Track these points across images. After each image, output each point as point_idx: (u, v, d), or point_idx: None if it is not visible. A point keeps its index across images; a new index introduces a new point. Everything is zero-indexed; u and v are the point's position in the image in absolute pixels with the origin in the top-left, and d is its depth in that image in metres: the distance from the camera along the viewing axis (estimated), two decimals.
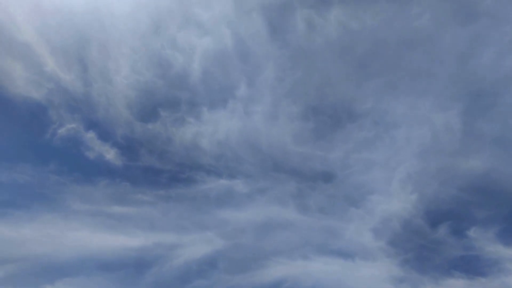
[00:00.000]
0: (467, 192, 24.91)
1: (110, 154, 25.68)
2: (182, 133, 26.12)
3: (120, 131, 26.00)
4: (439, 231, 24.95)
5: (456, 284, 22.75)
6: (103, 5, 24.06)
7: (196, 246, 24.44)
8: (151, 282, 23.07)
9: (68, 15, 24.18)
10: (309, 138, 26.81)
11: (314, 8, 24.39)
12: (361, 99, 26.57)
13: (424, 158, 26.00)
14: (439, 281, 23.12)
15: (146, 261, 23.83)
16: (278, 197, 26.16)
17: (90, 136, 25.72)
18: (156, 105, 26.14)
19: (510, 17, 24.56)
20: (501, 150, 24.58)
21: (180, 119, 26.23)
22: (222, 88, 26.21)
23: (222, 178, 26.09)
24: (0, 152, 25.69)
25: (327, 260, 24.44)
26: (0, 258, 21.82)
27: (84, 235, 23.76)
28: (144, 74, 25.50)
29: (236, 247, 24.65)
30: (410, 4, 25.24)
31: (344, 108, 26.85)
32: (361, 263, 24.26)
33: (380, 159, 27.16)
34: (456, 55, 25.18)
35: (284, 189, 26.27)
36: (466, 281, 22.89)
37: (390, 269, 23.92)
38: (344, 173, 26.31)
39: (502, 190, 24.35)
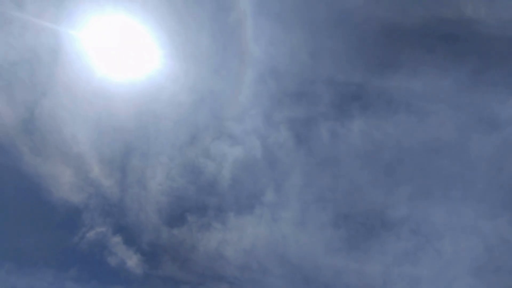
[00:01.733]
0: None
1: (132, 261, 21.61)
2: (207, 239, 22.21)
3: (147, 236, 22.70)
4: None
5: None
6: (151, 123, 23.90)
7: None
8: None
9: (121, 132, 23.88)
10: (341, 248, 21.26)
11: (337, 120, 22.64)
12: (393, 206, 21.77)
13: (481, 276, 19.06)
14: None
15: None
16: None
17: (116, 240, 22.31)
18: (184, 210, 22.82)
19: None
20: None
21: (206, 224, 22.30)
22: (249, 194, 22.83)
23: None
24: (27, 257, 22.06)
25: None
26: None
27: None
28: (177, 181, 23.16)
29: None
30: (430, 115, 22.91)
31: (377, 216, 21.89)
32: None
33: (427, 275, 20.29)
34: (487, 161, 21.02)
35: None
36: None
37: None
38: None
39: None
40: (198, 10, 23.12)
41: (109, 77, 24.17)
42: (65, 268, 22.11)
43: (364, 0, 22.26)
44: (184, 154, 24.80)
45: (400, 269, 21.07)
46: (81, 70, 23.95)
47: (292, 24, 23.34)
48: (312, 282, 21.42)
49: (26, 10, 22.93)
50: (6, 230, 22.85)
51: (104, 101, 24.15)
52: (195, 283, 21.74)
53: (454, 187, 22.39)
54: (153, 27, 23.52)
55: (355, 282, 20.94)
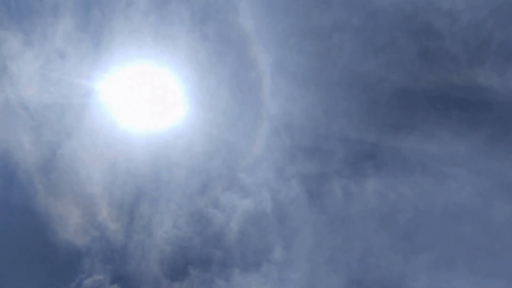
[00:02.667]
0: None
1: None
2: None
3: None
4: None
5: None
6: (165, 169, 22.68)
7: None
8: None
9: (134, 176, 22.72)
10: None
11: (351, 178, 20.80)
12: (411, 276, 18.77)
13: None
14: None
15: None
16: None
17: None
18: (188, 262, 20.40)
19: None
20: None
21: (209, 280, 19.68)
22: (257, 250, 20.35)
23: None
24: None
25: None
26: None
27: None
28: (184, 230, 21.15)
29: None
30: (448, 179, 20.79)
31: (393, 285, 18.64)
32: None
33: None
34: (510, 232, 18.35)
35: None
36: None
37: None
38: None
39: None
40: (220, 66, 22.74)
41: (130, 123, 23.20)
42: None
43: (376, 64, 21.22)
44: (193, 203, 22.56)
45: None
46: (105, 115, 23.21)
47: (307, 83, 22.40)
48: None
49: (66, 59, 22.98)
50: (3, 266, 20.17)
51: (123, 145, 22.94)
52: None
53: (479, 258, 18.72)
54: (176, 78, 23.12)
55: None
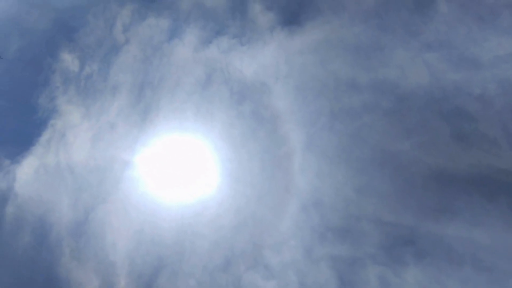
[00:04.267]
0: None
1: None
2: None
3: None
4: None
5: None
6: (189, 240, 20.13)
7: None
8: None
9: (157, 246, 20.36)
10: None
11: (388, 265, 16.94)
12: None
13: None
14: None
15: None
16: None
17: None
18: None
19: None
20: None
21: None
22: None
23: None
24: None
25: None
26: None
27: None
28: None
29: None
30: (506, 275, 16.31)
31: None
32: None
33: None
34: None
35: None
36: None
37: None
38: None
39: None
40: (252, 141, 21.00)
41: (162, 192, 21.22)
42: None
43: (409, 145, 18.29)
44: (214, 281, 18.50)
45: None
46: (140, 183, 21.41)
47: (337, 161, 19.65)
48: None
49: (115, 131, 22.48)
50: None
51: (151, 213, 20.37)
52: None
53: None
54: (211, 152, 21.48)
55: None
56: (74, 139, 22.84)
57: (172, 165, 23.04)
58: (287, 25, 22.29)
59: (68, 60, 23.29)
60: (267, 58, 22.18)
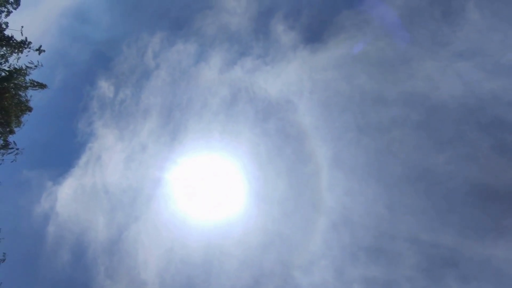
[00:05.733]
0: None
1: None
2: None
3: None
4: None
5: None
6: (217, 259, 20.29)
7: None
8: None
9: (187, 265, 20.65)
10: None
11: None
12: None
13: None
14: None
15: None
16: None
17: None
18: None
19: None
20: None
21: None
22: None
23: None
24: None
25: None
26: None
27: None
28: None
29: None
30: None
31: None
32: None
33: None
34: None
35: None
36: None
37: None
38: None
39: None
40: (279, 160, 20.92)
41: (190, 211, 21.59)
42: None
43: (444, 159, 17.22)
44: None
45: None
46: (169, 202, 21.95)
47: (366, 177, 18.89)
48: None
49: (146, 151, 23.43)
50: None
51: (180, 232, 20.68)
52: None
53: None
54: (238, 170, 21.65)
55: None
56: (109, 161, 23.92)
57: (200, 184, 23.27)
58: (309, 42, 22.34)
59: (105, 87, 24.85)
60: (291, 76, 22.24)
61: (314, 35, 22.64)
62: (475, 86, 18.72)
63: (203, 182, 22.52)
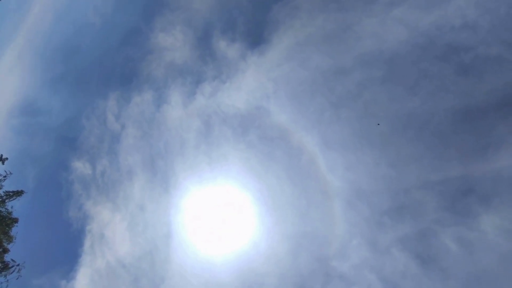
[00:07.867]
0: None
1: None
2: None
3: None
4: None
5: None
6: (254, 282, 19.86)
7: None
8: None
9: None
10: None
11: (459, 223, 16.28)
12: None
13: None
14: None
15: None
16: None
17: None
18: None
19: None
20: None
21: None
22: None
23: None
24: None
25: None
26: None
27: None
28: None
29: None
30: None
31: None
32: None
33: None
34: None
35: None
36: None
37: None
38: None
39: None
40: (273, 164, 20.91)
41: (209, 247, 21.03)
42: None
43: (420, 100, 17.72)
44: None
45: None
46: (188, 246, 21.32)
47: (359, 145, 19.15)
48: None
49: (145, 209, 22.82)
50: None
51: (209, 272, 20.00)
52: None
53: None
54: (237, 191, 21.34)
55: None
56: (113, 235, 23.08)
57: (209, 217, 22.90)
58: (255, 46, 22.63)
59: (80, 167, 24.11)
60: (251, 84, 22.40)
61: (256, 38, 22.99)
62: (417, 25, 19.41)
63: (211, 214, 22.15)
